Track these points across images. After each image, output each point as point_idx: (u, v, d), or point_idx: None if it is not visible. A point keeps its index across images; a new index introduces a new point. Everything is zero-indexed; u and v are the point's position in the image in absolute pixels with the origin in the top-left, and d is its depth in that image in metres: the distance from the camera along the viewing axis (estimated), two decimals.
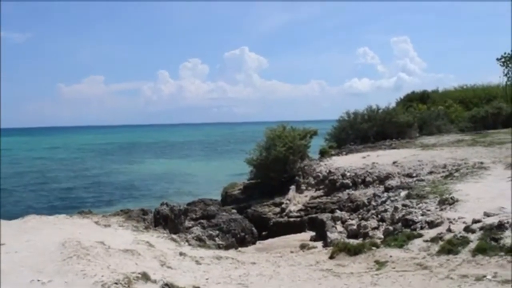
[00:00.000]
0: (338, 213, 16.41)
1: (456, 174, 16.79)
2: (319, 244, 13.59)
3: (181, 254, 9.91)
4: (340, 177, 20.33)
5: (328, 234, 13.70)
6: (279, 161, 22.35)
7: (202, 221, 15.61)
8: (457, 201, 12.35)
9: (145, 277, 7.47)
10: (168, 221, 13.88)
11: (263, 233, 17.72)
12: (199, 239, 13.04)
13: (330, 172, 21.33)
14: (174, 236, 12.10)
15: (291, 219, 18.35)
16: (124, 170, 48.25)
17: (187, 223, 15.05)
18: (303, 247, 13.11)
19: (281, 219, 18.51)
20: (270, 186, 21.88)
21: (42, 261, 8.08)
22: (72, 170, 49.83)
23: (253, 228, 16.55)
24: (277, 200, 20.17)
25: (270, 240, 16.37)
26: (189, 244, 12.00)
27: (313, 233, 15.85)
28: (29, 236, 10.41)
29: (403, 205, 13.38)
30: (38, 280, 7.16)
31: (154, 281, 7.45)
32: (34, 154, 74.75)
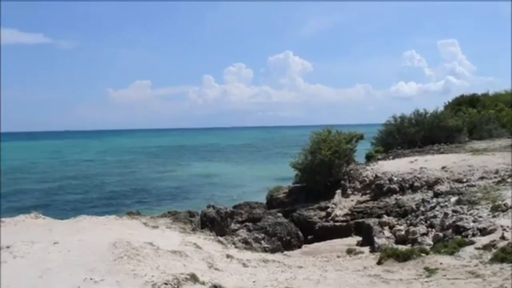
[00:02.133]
0: (385, 218, 16.17)
1: (509, 180, 16.24)
2: (366, 249, 13.43)
3: (228, 256, 9.97)
4: (387, 181, 20.02)
5: (376, 239, 13.52)
6: (324, 165, 22.21)
7: (248, 224, 15.69)
8: (511, 207, 11.95)
9: (193, 278, 7.55)
10: (215, 223, 14.01)
11: (309, 237, 17.65)
12: (245, 241, 13.08)
13: (376, 176, 21.04)
14: (221, 239, 12.19)
15: (337, 224, 18.22)
16: (170, 172, 48.98)
17: (233, 226, 15.14)
18: (349, 252, 12.96)
19: (326, 223, 18.40)
20: (315, 190, 21.77)
21: (94, 260, 8.28)
22: (119, 172, 50.95)
23: (299, 232, 16.48)
24: (322, 204, 20.05)
25: (316, 244, 16.30)
26: (236, 247, 12.06)
27: (359, 238, 15.69)
28: (81, 236, 10.69)
29: (454, 211, 13.06)
30: (91, 279, 7.34)
31: (203, 283, 7.52)
32: (83, 157, 76.81)
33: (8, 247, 9.20)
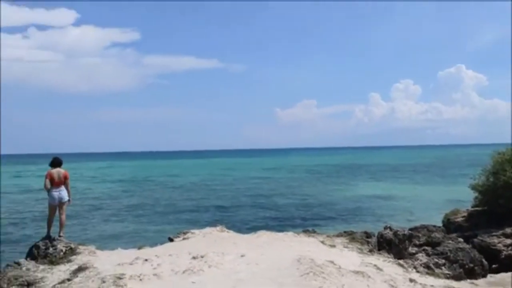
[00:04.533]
0: None
1: None
2: None
3: (411, 280, 9.71)
4: None
5: None
6: (509, 188, 20.47)
7: (426, 248, 15.03)
8: None
9: None
10: (392, 245, 13.71)
11: (493, 266, 16.35)
12: (427, 266, 12.60)
13: None
14: (401, 262, 11.90)
15: None
16: (339, 191, 48.96)
17: (411, 249, 14.65)
18: None
19: None
20: (499, 215, 20.12)
21: (281, 274, 8.65)
22: (288, 190, 52.23)
23: (483, 260, 15.34)
24: (508, 230, 18.43)
25: (502, 275, 15.06)
26: (417, 271, 11.69)
27: None
28: (264, 250, 11.25)
29: None
30: None
31: None
32: (252, 174, 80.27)
33: (202, 256, 10.05)
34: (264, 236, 13.51)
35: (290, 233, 14.01)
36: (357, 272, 9.15)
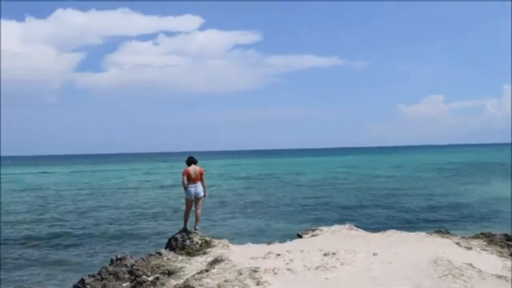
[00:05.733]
0: None
1: None
2: None
3: None
4: None
5: None
6: None
7: None
8: None
9: None
10: None
11: None
12: None
13: None
14: None
15: None
16: (469, 191, 46.23)
17: None
18: None
19: None
20: None
21: (417, 275, 8.45)
22: (414, 188, 50.38)
23: None
24: None
25: None
26: None
27: None
28: (396, 250, 11.02)
29: None
30: None
31: None
32: (376, 172, 78.53)
33: (333, 253, 10.10)
34: (394, 235, 13.25)
35: (422, 233, 13.57)
36: (499, 277, 8.65)
